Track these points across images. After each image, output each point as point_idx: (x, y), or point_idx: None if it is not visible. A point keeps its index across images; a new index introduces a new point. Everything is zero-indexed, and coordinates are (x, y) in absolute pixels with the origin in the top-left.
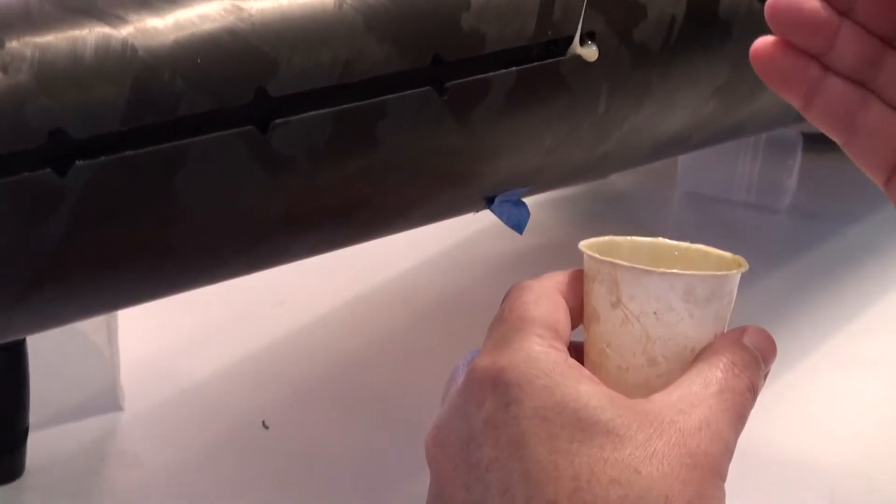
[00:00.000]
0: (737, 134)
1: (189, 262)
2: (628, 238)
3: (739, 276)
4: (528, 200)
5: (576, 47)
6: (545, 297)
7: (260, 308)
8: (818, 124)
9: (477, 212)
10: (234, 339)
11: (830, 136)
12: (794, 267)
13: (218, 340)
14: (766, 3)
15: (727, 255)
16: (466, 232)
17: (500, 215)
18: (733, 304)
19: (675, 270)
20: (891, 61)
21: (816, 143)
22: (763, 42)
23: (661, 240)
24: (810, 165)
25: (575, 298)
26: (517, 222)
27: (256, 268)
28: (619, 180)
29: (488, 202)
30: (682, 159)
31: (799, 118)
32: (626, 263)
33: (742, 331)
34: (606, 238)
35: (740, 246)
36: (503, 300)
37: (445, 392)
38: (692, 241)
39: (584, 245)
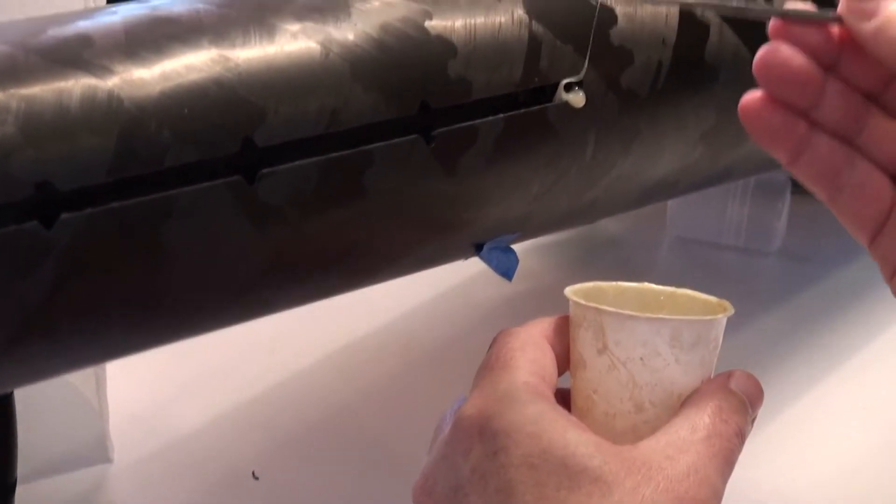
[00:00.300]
0: (725, 178)
1: (177, 313)
2: (614, 284)
3: (725, 320)
4: (516, 247)
5: (561, 94)
6: (531, 343)
7: (250, 357)
8: (803, 180)
9: (466, 259)
10: (224, 388)
11: (814, 193)
12: (783, 310)
13: (207, 390)
14: (755, 59)
15: (713, 299)
16: (456, 279)
17: (489, 262)
18: (719, 348)
19: (661, 315)
20: (874, 119)
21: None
22: (751, 98)
23: (646, 285)
24: (799, 209)
25: (561, 345)
26: (506, 269)
27: (245, 318)
28: (608, 225)
29: (477, 249)
30: (672, 204)
31: None
32: (611, 309)
33: (729, 375)
34: (592, 284)
35: (730, 289)
36: (490, 347)
37: (433, 440)
38: (682, 286)
39: (569, 291)
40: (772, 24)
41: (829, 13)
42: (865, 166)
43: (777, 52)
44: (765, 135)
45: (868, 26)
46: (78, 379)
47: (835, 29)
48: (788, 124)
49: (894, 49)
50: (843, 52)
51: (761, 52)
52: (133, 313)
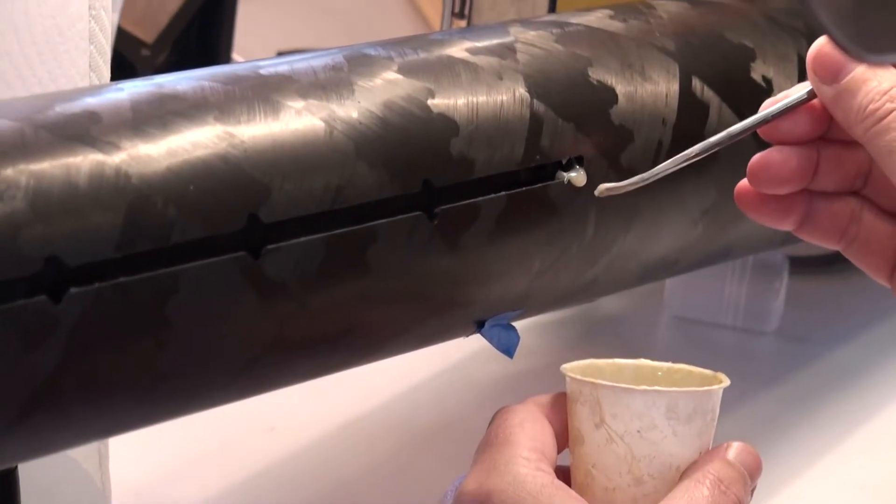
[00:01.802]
0: (724, 257)
1: (182, 388)
2: (610, 361)
3: (721, 391)
4: (516, 324)
5: (563, 175)
6: (530, 420)
7: (251, 434)
8: (812, 241)
9: (467, 336)
10: (225, 465)
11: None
12: (781, 389)
13: (209, 467)
14: (748, 169)
15: (708, 372)
16: (457, 356)
17: (490, 339)
18: (716, 420)
19: (656, 388)
20: (876, 169)
21: (803, 266)
22: (746, 188)
23: (643, 361)
24: (797, 288)
25: (559, 421)
26: (507, 346)
27: (250, 393)
28: (606, 304)
29: (478, 326)
30: (669, 283)
31: (785, 241)
32: (607, 383)
33: (727, 447)
34: (588, 361)
35: (728, 368)
36: (489, 424)
37: None
38: (681, 364)
39: (566, 368)
40: (760, 128)
41: (804, 93)
42: (871, 216)
43: (766, 166)
44: (766, 217)
45: (829, 91)
46: (80, 455)
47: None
48: (787, 204)
49: (849, 116)
50: (831, 117)
51: (751, 164)
52: (139, 387)
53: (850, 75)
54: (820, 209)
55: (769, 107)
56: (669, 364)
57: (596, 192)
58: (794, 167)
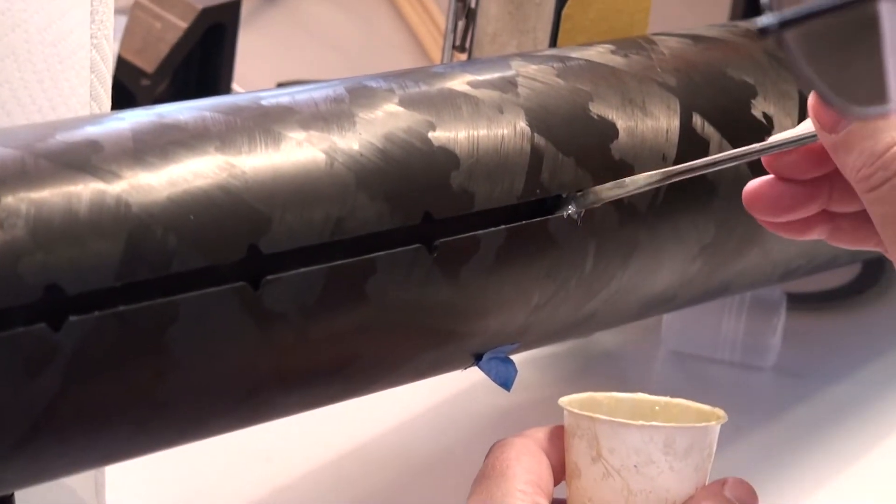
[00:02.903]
0: (723, 293)
1: (180, 417)
2: (608, 394)
3: (719, 427)
4: (514, 358)
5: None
6: (527, 453)
7: (248, 463)
8: (851, 248)
9: (465, 368)
10: (222, 494)
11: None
12: (778, 425)
13: (205, 496)
14: (743, 197)
15: (706, 407)
16: (455, 389)
17: (487, 372)
18: (713, 456)
19: (654, 423)
20: None
21: (801, 302)
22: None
23: (641, 395)
24: (795, 324)
25: (556, 454)
26: (505, 379)
27: (248, 423)
28: (603, 338)
29: (476, 359)
30: (667, 318)
31: (784, 278)
32: (604, 417)
33: (723, 483)
34: (586, 395)
35: (725, 404)
36: (486, 457)
37: None
38: (679, 399)
39: (563, 401)
40: (764, 158)
41: (808, 134)
42: None
43: (758, 197)
44: (783, 233)
45: (827, 140)
46: (77, 483)
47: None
48: (801, 226)
49: (845, 171)
50: None
51: (745, 192)
52: (138, 416)
53: (848, 129)
54: (844, 224)
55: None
56: (667, 399)
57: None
58: (787, 202)
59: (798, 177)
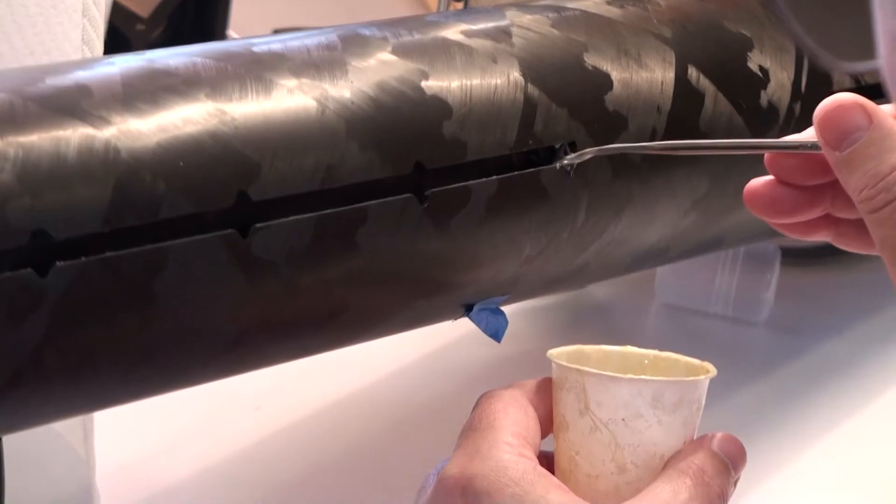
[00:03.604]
0: (715, 247)
1: (168, 364)
2: (597, 347)
3: (708, 381)
4: (505, 309)
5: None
6: (514, 405)
7: (237, 412)
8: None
9: (455, 319)
10: (211, 443)
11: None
12: (770, 380)
13: (194, 444)
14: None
15: (696, 361)
16: (445, 339)
17: (478, 323)
18: (702, 410)
19: (642, 377)
20: None
21: (795, 257)
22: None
23: (629, 348)
24: (788, 279)
25: (544, 407)
26: (495, 331)
27: (235, 371)
28: (596, 291)
29: (467, 310)
30: (660, 271)
31: (777, 233)
32: (593, 370)
33: (711, 437)
34: (575, 347)
35: (717, 358)
36: (473, 409)
37: (416, 501)
38: (668, 353)
39: (552, 353)
40: (766, 155)
41: (809, 142)
42: None
43: (756, 196)
44: (788, 233)
45: (833, 157)
46: (65, 428)
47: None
48: (805, 228)
49: (848, 189)
50: None
51: (745, 190)
52: (124, 363)
53: (852, 148)
54: (848, 230)
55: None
56: (656, 352)
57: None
58: (787, 205)
59: (799, 182)
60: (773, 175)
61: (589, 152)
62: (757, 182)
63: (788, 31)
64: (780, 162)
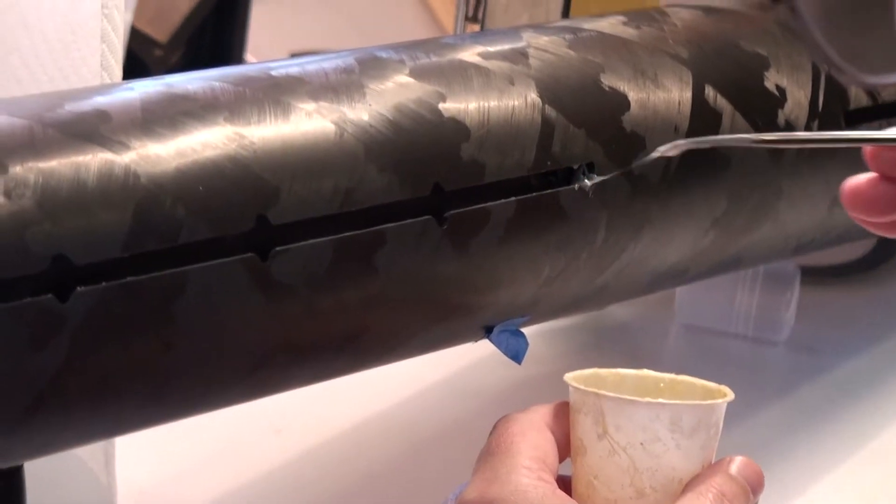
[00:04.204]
0: (735, 266)
1: (188, 389)
2: (613, 371)
3: (725, 405)
4: (525, 331)
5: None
6: (532, 429)
7: (257, 436)
8: None
9: (476, 341)
10: (232, 467)
11: None
12: (790, 400)
13: (215, 468)
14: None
15: (712, 385)
16: (465, 361)
17: (498, 345)
18: (720, 434)
19: (660, 400)
20: None
21: (815, 276)
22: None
23: (645, 372)
24: (808, 299)
25: (561, 431)
26: (515, 352)
27: (255, 395)
28: (616, 311)
29: (487, 332)
30: (680, 291)
31: (797, 251)
32: (611, 394)
33: (730, 461)
34: (591, 371)
35: (737, 378)
36: (491, 432)
37: None
38: (689, 374)
39: (569, 377)
40: (866, 149)
41: None
42: None
43: (855, 194)
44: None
45: None
46: (86, 453)
47: None
48: None
49: None
50: None
51: (843, 188)
52: (145, 387)
53: None
54: None
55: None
56: (672, 375)
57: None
58: (890, 203)
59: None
60: (875, 171)
61: (682, 144)
62: (856, 179)
63: (809, 43)
64: (885, 156)
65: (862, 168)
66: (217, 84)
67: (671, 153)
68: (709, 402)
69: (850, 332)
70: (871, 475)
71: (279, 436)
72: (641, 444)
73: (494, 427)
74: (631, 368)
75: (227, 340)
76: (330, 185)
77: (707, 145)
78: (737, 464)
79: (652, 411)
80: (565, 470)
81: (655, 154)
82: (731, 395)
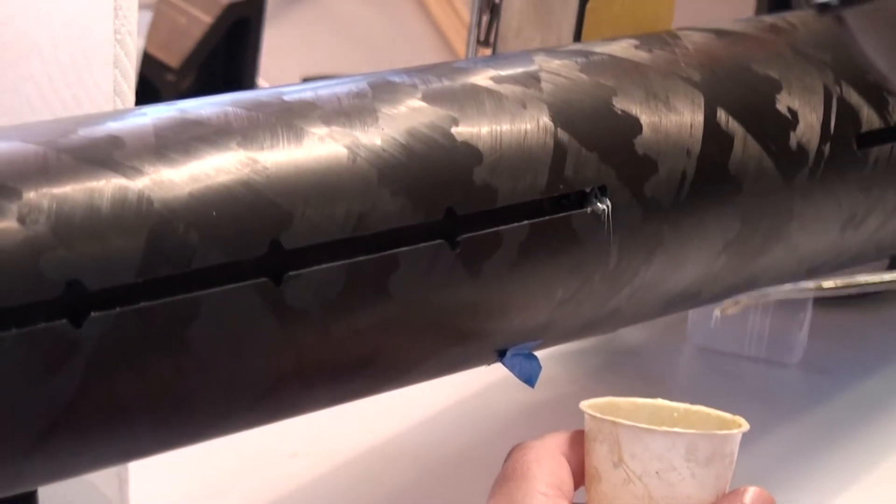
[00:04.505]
0: (747, 289)
1: (202, 413)
2: (628, 399)
3: (740, 435)
4: (538, 354)
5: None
6: (547, 456)
7: (272, 460)
8: None
9: (489, 364)
10: (246, 491)
11: None
12: (804, 422)
13: (229, 492)
14: None
15: (727, 415)
16: (479, 385)
17: (511, 368)
18: (735, 464)
19: (676, 429)
20: None
21: (827, 298)
22: None
23: (660, 401)
24: (821, 320)
25: (577, 458)
26: (529, 376)
27: (270, 419)
28: (628, 334)
29: (500, 355)
30: (692, 313)
31: (810, 274)
32: (627, 422)
33: (743, 491)
34: (606, 399)
35: (750, 401)
36: (505, 460)
37: None
38: (702, 397)
39: (584, 405)
40: None
41: None
42: None
43: None
44: None
45: None
46: (100, 479)
47: None
48: None
49: None
50: None
51: None
52: (159, 412)
53: None
54: None
55: None
56: (687, 405)
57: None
58: None
59: None
60: None
61: (743, 301)
62: None
63: (857, 54)
64: None
65: (874, 191)
66: (230, 109)
67: (731, 311)
68: (724, 432)
69: (863, 354)
70: (886, 496)
71: (294, 460)
72: (657, 472)
73: (510, 453)
74: (645, 397)
75: (240, 365)
76: (343, 209)
77: (770, 298)
78: (751, 494)
79: (668, 440)
80: (580, 498)
81: (717, 313)
82: (746, 426)
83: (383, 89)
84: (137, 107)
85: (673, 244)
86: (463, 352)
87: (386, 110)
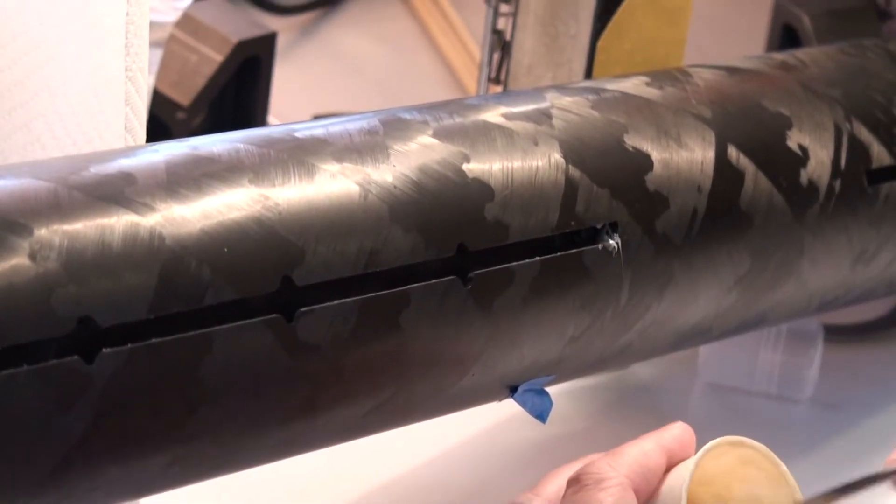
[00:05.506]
0: (759, 325)
1: (213, 450)
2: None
3: None
4: (549, 389)
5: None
6: None
7: (281, 497)
8: None
9: (500, 400)
10: None
11: None
12: (815, 458)
13: None
14: None
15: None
16: (490, 421)
17: (523, 404)
18: None
19: None
20: None
21: (838, 334)
22: None
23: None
24: (832, 356)
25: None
26: (540, 411)
27: (281, 455)
28: (639, 370)
29: (511, 391)
30: (703, 349)
31: (821, 309)
32: None
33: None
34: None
35: (762, 436)
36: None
37: None
38: (713, 432)
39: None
40: None
41: None
42: None
43: None
44: None
45: None
46: None
47: None
48: None
49: None
50: None
51: None
52: (171, 448)
53: None
54: None
55: None
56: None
57: None
58: None
59: None
60: None
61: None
62: None
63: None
64: None
65: (884, 227)
66: (241, 146)
67: None
68: None
69: (875, 390)
70: None
71: (304, 496)
72: None
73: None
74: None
75: (252, 401)
76: (355, 246)
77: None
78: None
79: None
80: None
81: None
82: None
83: (394, 126)
84: (149, 144)
85: (684, 280)
86: (474, 387)
87: (397, 147)
